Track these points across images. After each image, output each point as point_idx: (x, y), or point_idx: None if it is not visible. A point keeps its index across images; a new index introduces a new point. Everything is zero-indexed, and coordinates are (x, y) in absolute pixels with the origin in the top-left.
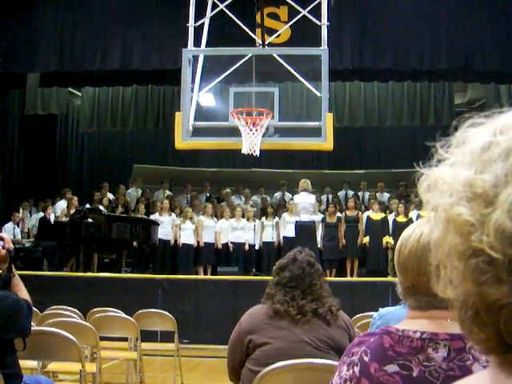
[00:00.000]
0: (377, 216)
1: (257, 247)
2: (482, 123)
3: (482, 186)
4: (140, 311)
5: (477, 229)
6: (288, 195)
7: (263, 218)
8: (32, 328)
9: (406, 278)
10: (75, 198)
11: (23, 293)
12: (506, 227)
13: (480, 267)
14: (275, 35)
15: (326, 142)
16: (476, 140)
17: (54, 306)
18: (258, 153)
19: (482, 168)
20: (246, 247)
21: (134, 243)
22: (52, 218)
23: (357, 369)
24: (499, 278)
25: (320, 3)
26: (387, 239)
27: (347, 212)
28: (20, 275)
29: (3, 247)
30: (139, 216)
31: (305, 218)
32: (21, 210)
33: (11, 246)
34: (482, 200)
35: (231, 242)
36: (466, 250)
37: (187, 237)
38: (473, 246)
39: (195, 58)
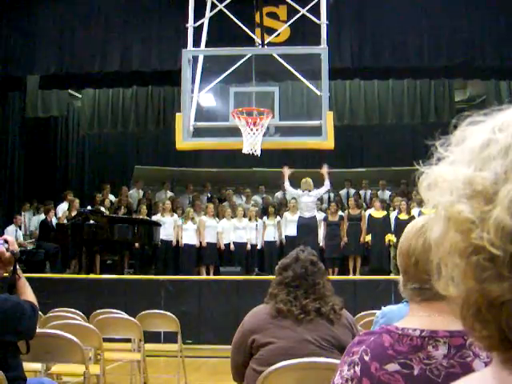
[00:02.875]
0: (379, 214)
1: (259, 247)
2: (481, 121)
3: (481, 183)
4: (143, 312)
5: (477, 226)
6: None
7: (265, 218)
8: None
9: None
10: (77, 200)
11: (29, 295)
12: (506, 224)
13: (481, 264)
14: (275, 34)
15: (327, 141)
16: (475, 138)
17: (57, 308)
18: (258, 152)
19: (481, 165)
20: (248, 247)
21: (136, 244)
22: (54, 221)
23: (358, 368)
24: (500, 274)
25: (319, 2)
26: (389, 237)
27: (350, 211)
28: None
29: (7, 249)
30: (141, 217)
31: (307, 214)
32: (22, 213)
33: (16, 247)
34: (482, 197)
35: (233, 242)
36: (467, 248)
37: (189, 237)
38: (473, 243)
39: (195, 58)
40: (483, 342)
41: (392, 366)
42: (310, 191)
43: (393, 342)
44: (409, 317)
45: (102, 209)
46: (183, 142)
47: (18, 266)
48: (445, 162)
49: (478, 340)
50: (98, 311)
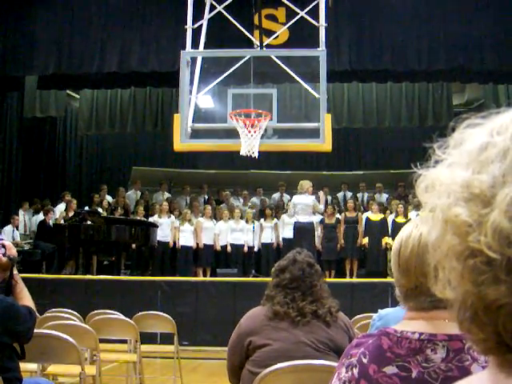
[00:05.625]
0: (376, 217)
1: (256, 249)
2: (479, 124)
3: (479, 186)
4: (139, 313)
5: (474, 229)
6: (287, 196)
7: (262, 220)
8: None
9: (409, 279)
10: (74, 201)
11: (26, 300)
12: (503, 227)
13: (478, 267)
14: (273, 37)
15: (325, 144)
16: (473, 140)
17: (54, 309)
18: (256, 154)
19: (479, 168)
20: (245, 249)
21: (133, 245)
22: (51, 221)
23: (356, 371)
24: (497, 278)
25: (318, 4)
26: (386, 240)
27: (347, 213)
28: None
29: (4, 254)
30: (138, 218)
31: (303, 218)
32: (20, 212)
33: (13, 252)
34: (479, 200)
35: (230, 244)
36: (464, 251)
37: (186, 239)
38: (471, 246)
39: (193, 59)
40: (480, 345)
41: (390, 369)
42: (308, 194)
43: (391, 344)
44: (408, 320)
45: (100, 210)
46: (181, 143)
47: (15, 271)
48: (442, 165)
49: (474, 343)
50: (95, 312)
